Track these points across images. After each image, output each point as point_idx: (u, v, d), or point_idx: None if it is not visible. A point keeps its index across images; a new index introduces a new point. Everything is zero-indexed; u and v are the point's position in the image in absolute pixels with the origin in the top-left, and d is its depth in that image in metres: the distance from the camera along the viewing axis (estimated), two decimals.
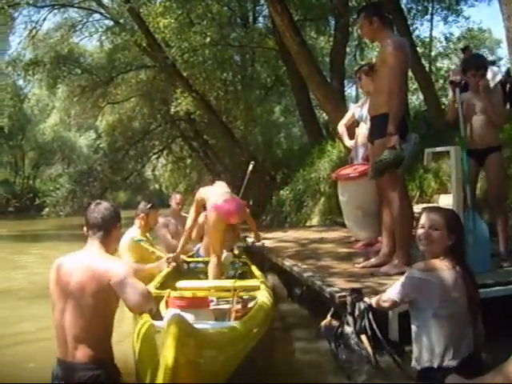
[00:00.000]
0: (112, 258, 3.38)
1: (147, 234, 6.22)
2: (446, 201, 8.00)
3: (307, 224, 12.17)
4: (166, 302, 4.23)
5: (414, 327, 3.30)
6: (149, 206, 6.15)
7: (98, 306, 3.19)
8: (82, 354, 3.19)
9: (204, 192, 5.55)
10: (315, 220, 12.18)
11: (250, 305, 4.18)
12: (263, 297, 4.18)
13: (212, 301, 4.42)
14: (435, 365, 3.07)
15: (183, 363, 2.18)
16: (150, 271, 5.59)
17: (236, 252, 6.30)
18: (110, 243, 3.51)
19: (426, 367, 3.12)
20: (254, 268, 5.61)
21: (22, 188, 37.68)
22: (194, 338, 2.37)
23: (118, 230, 3.58)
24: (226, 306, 4.38)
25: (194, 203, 5.66)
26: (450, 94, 5.33)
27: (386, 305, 3.47)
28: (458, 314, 3.06)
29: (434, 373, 3.07)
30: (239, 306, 4.18)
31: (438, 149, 5.20)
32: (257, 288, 4.55)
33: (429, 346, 3.12)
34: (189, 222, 5.74)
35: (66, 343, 3.23)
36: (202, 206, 5.61)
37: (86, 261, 3.28)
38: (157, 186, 40.52)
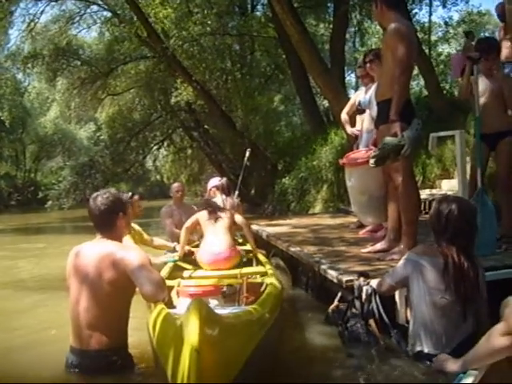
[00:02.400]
0: (128, 247, 3.42)
1: (133, 225, 6.20)
2: (448, 186, 8.05)
3: (310, 212, 12.22)
4: (177, 292, 4.29)
5: (409, 312, 3.37)
6: (130, 195, 6.20)
7: (113, 293, 3.23)
8: (96, 341, 3.23)
9: (201, 222, 5.35)
10: (318, 208, 12.22)
11: (260, 290, 4.26)
12: (272, 282, 4.24)
13: (222, 288, 4.46)
14: (426, 350, 3.12)
15: (206, 346, 2.24)
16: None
17: (240, 240, 6.34)
18: (118, 234, 3.53)
19: (417, 351, 3.17)
20: (259, 255, 5.63)
21: (23, 181, 37.62)
22: (215, 322, 2.43)
23: (123, 218, 3.55)
24: (236, 293, 4.42)
25: (190, 220, 5.50)
26: (466, 71, 5.23)
27: (383, 289, 3.55)
28: (450, 303, 3.08)
29: (425, 357, 3.12)
30: (249, 293, 4.28)
31: (443, 133, 5.20)
32: (264, 274, 4.66)
33: (421, 332, 3.17)
34: (182, 239, 5.57)
35: (80, 331, 3.27)
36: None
37: (103, 249, 3.31)
38: (158, 177, 40.55)
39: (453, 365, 2.81)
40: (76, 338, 3.31)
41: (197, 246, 6.12)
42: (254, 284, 4.50)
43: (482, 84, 5.08)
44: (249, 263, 5.72)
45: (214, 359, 2.30)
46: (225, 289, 4.47)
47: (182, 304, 3.78)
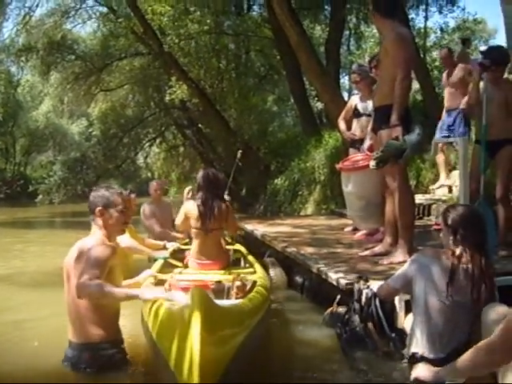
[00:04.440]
0: (94, 237, 3.39)
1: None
2: (442, 191, 8.09)
3: (301, 213, 12.23)
4: (169, 285, 4.38)
5: (410, 315, 3.38)
6: (128, 191, 6.15)
7: None
8: (92, 334, 3.26)
9: (192, 229, 5.14)
10: (310, 209, 12.24)
11: (249, 286, 4.41)
12: (260, 278, 4.44)
13: (212, 285, 4.51)
14: (420, 352, 3.12)
15: (209, 332, 2.44)
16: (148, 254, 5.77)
17: (229, 240, 6.35)
18: (104, 226, 3.46)
19: (412, 353, 3.17)
20: (247, 254, 5.70)
21: (12, 175, 37.35)
22: (214, 309, 2.63)
23: (107, 214, 3.46)
24: (226, 288, 4.47)
25: (182, 212, 5.19)
26: (475, 77, 5.30)
27: (384, 293, 3.56)
28: (452, 307, 3.09)
29: (419, 360, 3.11)
30: (239, 288, 4.37)
31: (446, 140, 5.23)
32: (253, 272, 4.80)
33: (418, 334, 3.16)
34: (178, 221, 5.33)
35: (76, 325, 3.30)
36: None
37: (81, 242, 3.36)
38: (149, 174, 40.33)
39: (430, 374, 2.84)
40: (73, 332, 3.34)
41: (186, 244, 6.15)
42: (242, 282, 4.54)
43: (490, 91, 5.15)
44: (238, 262, 5.76)
45: (215, 344, 2.50)
46: (213, 286, 4.50)
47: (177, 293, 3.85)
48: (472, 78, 6.78)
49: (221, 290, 4.44)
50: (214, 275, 4.68)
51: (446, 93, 7.70)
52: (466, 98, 6.71)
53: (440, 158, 7.96)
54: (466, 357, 2.48)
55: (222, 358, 2.59)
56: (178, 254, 5.79)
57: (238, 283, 4.41)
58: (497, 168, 5.30)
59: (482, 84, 5.18)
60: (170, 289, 4.23)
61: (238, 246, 6.08)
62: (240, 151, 8.53)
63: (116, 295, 3.20)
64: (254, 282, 4.36)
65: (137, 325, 3.84)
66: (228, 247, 5.78)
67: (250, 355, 3.12)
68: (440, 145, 7.50)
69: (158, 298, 3.33)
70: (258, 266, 5.03)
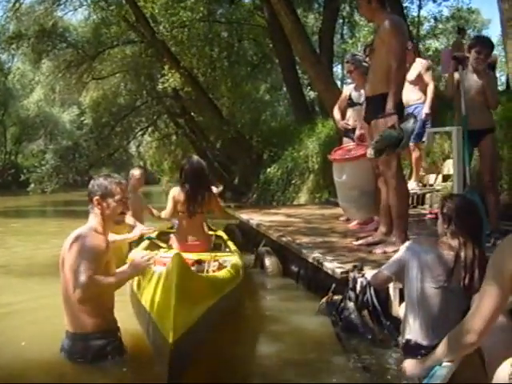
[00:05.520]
0: (87, 227, 3.37)
1: None
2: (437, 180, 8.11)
3: (295, 202, 12.24)
4: (154, 261, 4.47)
5: (404, 303, 3.40)
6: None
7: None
8: (86, 323, 3.25)
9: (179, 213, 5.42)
10: (303, 198, 12.25)
11: (225, 264, 4.71)
12: (234, 258, 4.93)
13: (193, 264, 4.63)
14: (413, 339, 3.14)
15: (182, 286, 2.81)
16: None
17: (212, 227, 6.53)
18: (101, 215, 3.43)
19: (406, 340, 3.19)
20: (227, 240, 5.98)
21: (3, 164, 37.17)
22: (188, 271, 3.07)
23: (104, 204, 3.42)
24: (206, 269, 4.64)
25: (170, 201, 5.39)
26: (451, 69, 5.32)
27: (378, 281, 3.57)
28: (444, 293, 3.11)
29: (413, 347, 3.13)
30: (216, 267, 4.63)
31: (440, 129, 5.24)
32: (230, 254, 5.18)
33: (411, 320, 3.17)
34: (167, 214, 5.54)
35: (72, 315, 3.28)
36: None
37: (75, 232, 3.33)
38: (141, 163, 40.29)
39: (417, 367, 2.83)
40: (67, 321, 3.32)
41: (171, 228, 6.36)
42: (219, 262, 4.74)
43: (470, 81, 5.17)
44: (219, 248, 5.89)
45: (188, 297, 2.88)
46: (194, 267, 4.58)
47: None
48: (429, 74, 6.92)
49: (201, 271, 4.55)
50: (195, 254, 4.92)
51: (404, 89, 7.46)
52: (428, 101, 6.89)
53: (414, 156, 7.69)
54: (445, 340, 2.50)
55: (193, 312, 2.98)
56: (163, 236, 6.04)
57: (215, 264, 4.66)
58: (481, 157, 5.36)
59: (456, 75, 5.18)
60: (155, 264, 4.34)
61: (219, 233, 6.36)
62: None
63: (114, 284, 3.29)
64: (229, 261, 4.76)
65: (129, 311, 3.87)
66: (210, 233, 6.01)
67: (218, 318, 3.61)
68: (412, 144, 7.45)
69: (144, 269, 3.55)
70: (235, 251, 5.40)
